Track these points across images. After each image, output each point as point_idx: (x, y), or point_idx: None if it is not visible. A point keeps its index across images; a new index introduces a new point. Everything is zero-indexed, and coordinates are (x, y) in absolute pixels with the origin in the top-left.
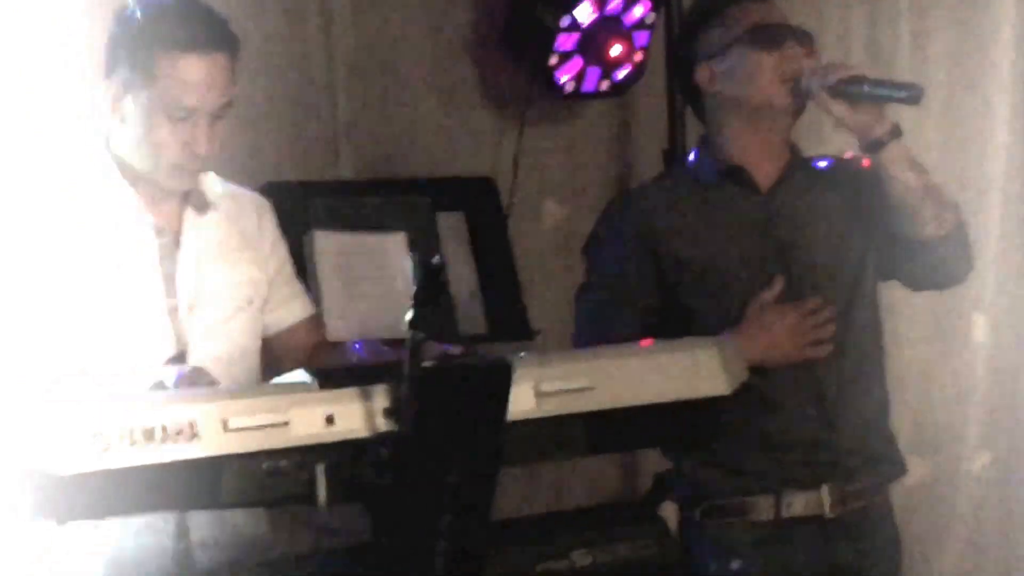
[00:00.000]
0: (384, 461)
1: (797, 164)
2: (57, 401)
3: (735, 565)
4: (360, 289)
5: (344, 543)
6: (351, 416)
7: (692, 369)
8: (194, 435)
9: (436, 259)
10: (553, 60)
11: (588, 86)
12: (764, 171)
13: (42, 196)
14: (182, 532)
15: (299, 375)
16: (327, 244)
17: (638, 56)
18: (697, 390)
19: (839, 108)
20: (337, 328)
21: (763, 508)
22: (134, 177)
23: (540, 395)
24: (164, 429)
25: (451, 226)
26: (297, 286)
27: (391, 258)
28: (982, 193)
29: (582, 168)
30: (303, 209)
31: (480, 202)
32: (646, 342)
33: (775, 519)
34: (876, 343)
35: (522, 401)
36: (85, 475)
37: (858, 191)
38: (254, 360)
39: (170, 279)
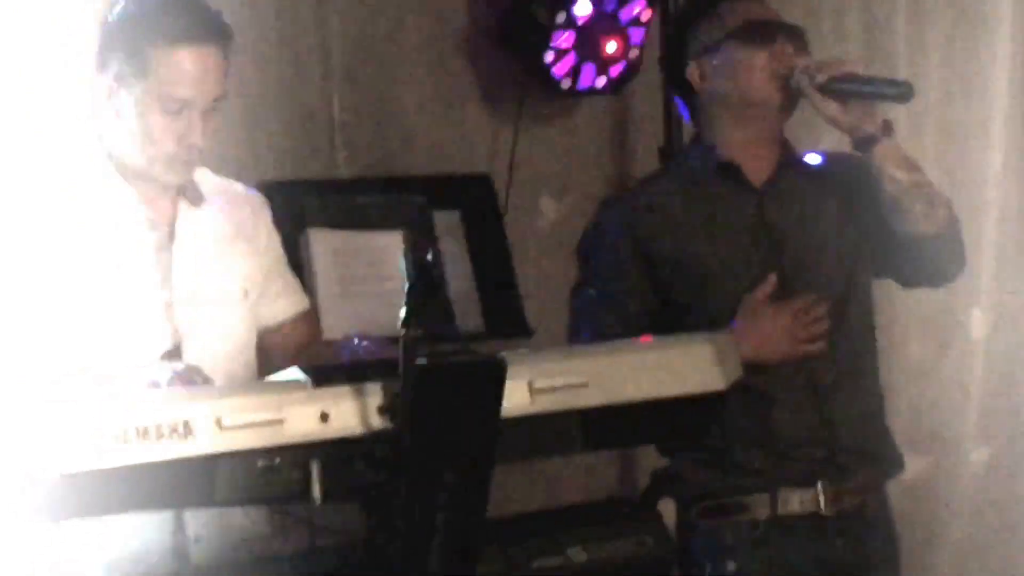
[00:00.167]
0: (379, 458)
1: (789, 161)
2: (51, 401)
3: (732, 564)
4: (356, 287)
5: (339, 541)
6: (346, 414)
7: (687, 365)
8: (188, 433)
9: (428, 256)
10: (549, 57)
11: (584, 83)
12: (756, 168)
13: (36, 192)
14: (178, 529)
15: (293, 372)
16: (323, 242)
17: (634, 53)
18: (692, 386)
19: (830, 105)
20: (333, 326)
21: (759, 506)
22: (128, 171)
23: (535, 392)
24: (158, 428)
25: (447, 224)
26: (292, 281)
27: (387, 256)
28: (979, 190)
29: (578, 165)
30: (299, 207)
31: (476, 200)
32: (645, 339)
33: (771, 517)
34: (870, 340)
35: (517, 398)
36: (80, 474)
37: (851, 188)
38: (250, 355)
39: (165, 273)
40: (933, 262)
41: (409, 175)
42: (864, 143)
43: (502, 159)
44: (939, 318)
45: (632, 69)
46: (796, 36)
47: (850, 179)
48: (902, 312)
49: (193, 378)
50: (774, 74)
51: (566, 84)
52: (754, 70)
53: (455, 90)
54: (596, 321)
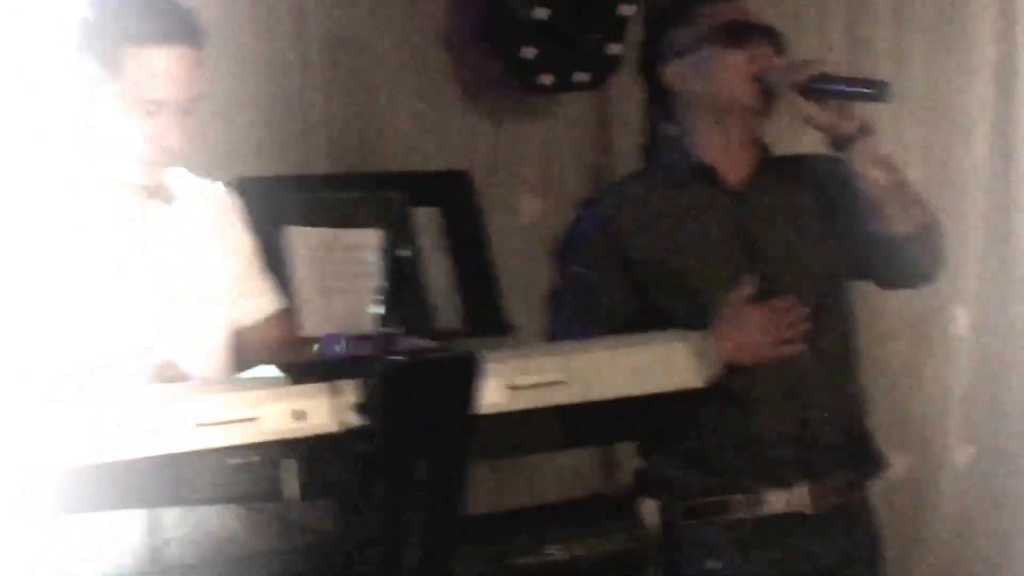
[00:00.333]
0: (354, 456)
1: (767, 163)
2: (22, 400)
3: (715, 564)
4: (335, 284)
5: (314, 539)
6: (320, 411)
7: (665, 362)
8: (162, 431)
9: (403, 253)
10: (529, 53)
11: (564, 79)
12: (733, 170)
13: (11, 196)
14: (152, 528)
15: (268, 370)
16: (301, 239)
17: (614, 49)
18: (670, 383)
19: (807, 106)
20: (311, 323)
21: (742, 506)
22: (103, 171)
23: (512, 389)
24: (132, 425)
25: (426, 221)
26: (266, 280)
27: (365, 253)
28: (963, 189)
29: (559, 162)
30: (276, 204)
31: (456, 197)
32: None
33: (753, 517)
34: (850, 340)
35: (494, 395)
36: (53, 473)
37: (829, 189)
38: (225, 354)
39: (139, 273)
40: (911, 262)
41: (387, 172)
42: (842, 143)
43: (482, 156)
44: (922, 317)
45: (613, 65)
46: (773, 37)
47: (827, 181)
48: (885, 311)
49: (168, 375)
50: (751, 76)
51: (546, 80)
52: (731, 72)
53: (434, 86)
54: (574, 324)
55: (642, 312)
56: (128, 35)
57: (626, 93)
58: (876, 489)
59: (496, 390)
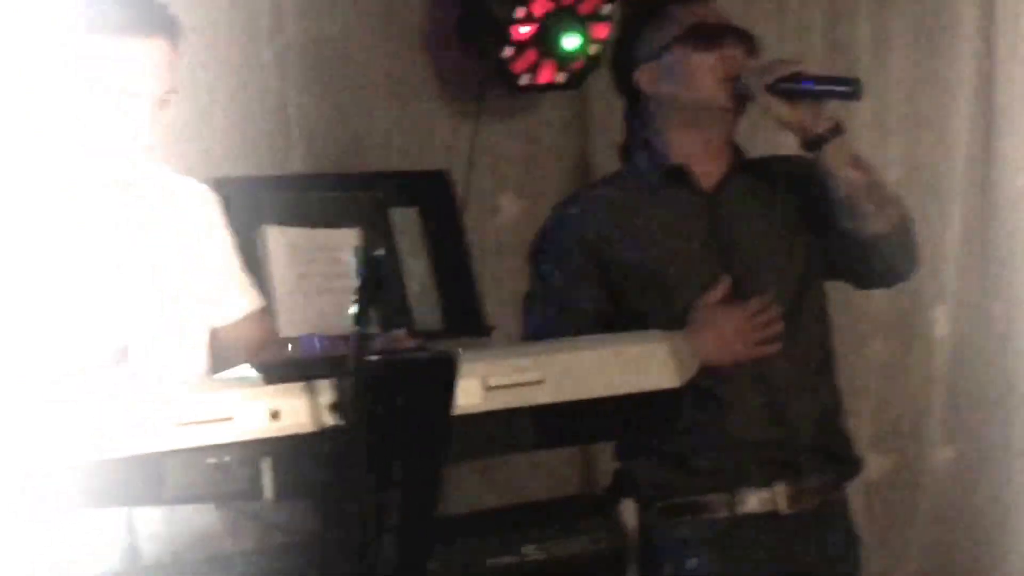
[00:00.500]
0: (330, 456)
1: (740, 165)
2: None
3: (692, 563)
4: (312, 284)
5: (290, 539)
6: (296, 411)
7: (642, 362)
8: (139, 431)
9: (382, 253)
10: (508, 52)
11: (543, 79)
12: (706, 172)
13: None
14: (129, 528)
15: (244, 370)
16: (279, 239)
17: (593, 49)
18: (647, 383)
19: (779, 107)
20: (289, 323)
21: (718, 506)
22: (78, 164)
23: (488, 389)
24: (110, 425)
25: (405, 221)
26: (244, 279)
27: (343, 253)
28: (943, 187)
29: (539, 161)
30: (254, 204)
31: (434, 196)
32: None
33: (730, 517)
34: (826, 341)
35: (470, 395)
36: (29, 473)
37: (802, 190)
38: (201, 353)
39: (116, 271)
40: (886, 262)
41: (366, 172)
42: (814, 143)
43: (461, 155)
44: (903, 316)
45: (592, 64)
46: (744, 39)
47: (800, 181)
48: (866, 311)
49: (144, 375)
50: (723, 77)
51: (525, 80)
52: (702, 74)
53: (413, 85)
54: (549, 328)
55: (617, 315)
56: (101, 25)
57: (605, 93)
58: (856, 489)
59: (473, 390)
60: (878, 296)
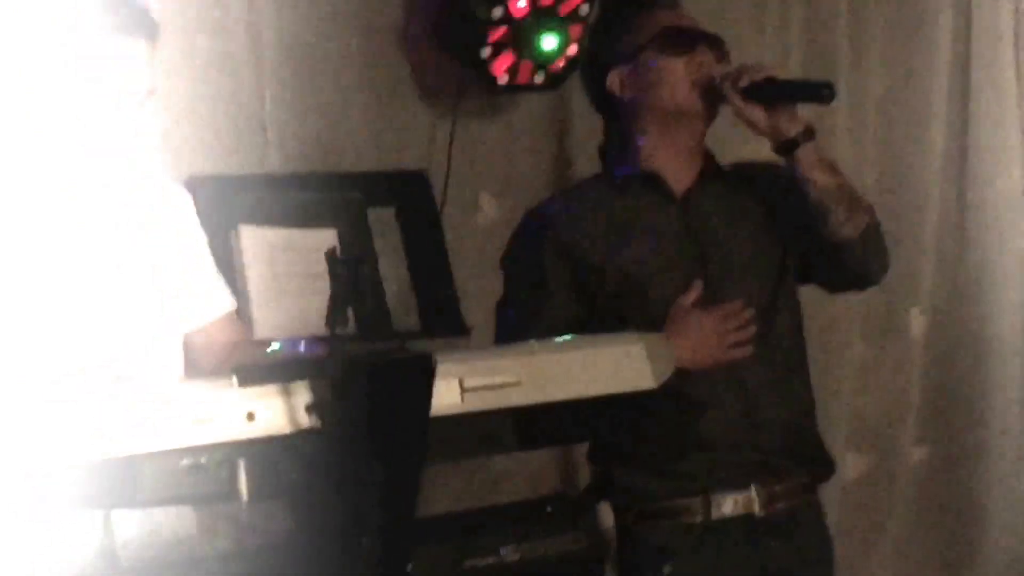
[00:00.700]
0: (306, 457)
1: (711, 169)
2: None
3: (668, 567)
4: (288, 286)
5: (267, 541)
6: (273, 413)
7: (619, 363)
8: (115, 433)
9: (359, 253)
10: (486, 53)
11: (522, 79)
12: (678, 177)
13: None
14: (105, 531)
15: (220, 372)
16: (254, 240)
17: (572, 49)
18: (624, 384)
19: (752, 111)
20: (265, 324)
21: (694, 510)
22: (53, 164)
23: (465, 390)
24: (85, 428)
25: (382, 221)
26: (217, 281)
27: (320, 254)
28: (919, 189)
29: (517, 162)
30: (229, 204)
31: (412, 197)
32: None
33: (706, 520)
34: (799, 344)
35: (447, 396)
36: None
37: (773, 195)
38: (174, 355)
39: (92, 270)
40: (857, 265)
41: (343, 172)
42: (786, 147)
43: (439, 156)
44: (879, 317)
45: (571, 65)
46: (716, 44)
47: (772, 186)
48: (842, 312)
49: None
50: (694, 82)
51: (504, 80)
52: (674, 78)
53: (391, 85)
54: (521, 333)
55: (591, 320)
56: (86, 24)
57: (584, 94)
58: (832, 488)
59: (450, 391)
60: (854, 298)
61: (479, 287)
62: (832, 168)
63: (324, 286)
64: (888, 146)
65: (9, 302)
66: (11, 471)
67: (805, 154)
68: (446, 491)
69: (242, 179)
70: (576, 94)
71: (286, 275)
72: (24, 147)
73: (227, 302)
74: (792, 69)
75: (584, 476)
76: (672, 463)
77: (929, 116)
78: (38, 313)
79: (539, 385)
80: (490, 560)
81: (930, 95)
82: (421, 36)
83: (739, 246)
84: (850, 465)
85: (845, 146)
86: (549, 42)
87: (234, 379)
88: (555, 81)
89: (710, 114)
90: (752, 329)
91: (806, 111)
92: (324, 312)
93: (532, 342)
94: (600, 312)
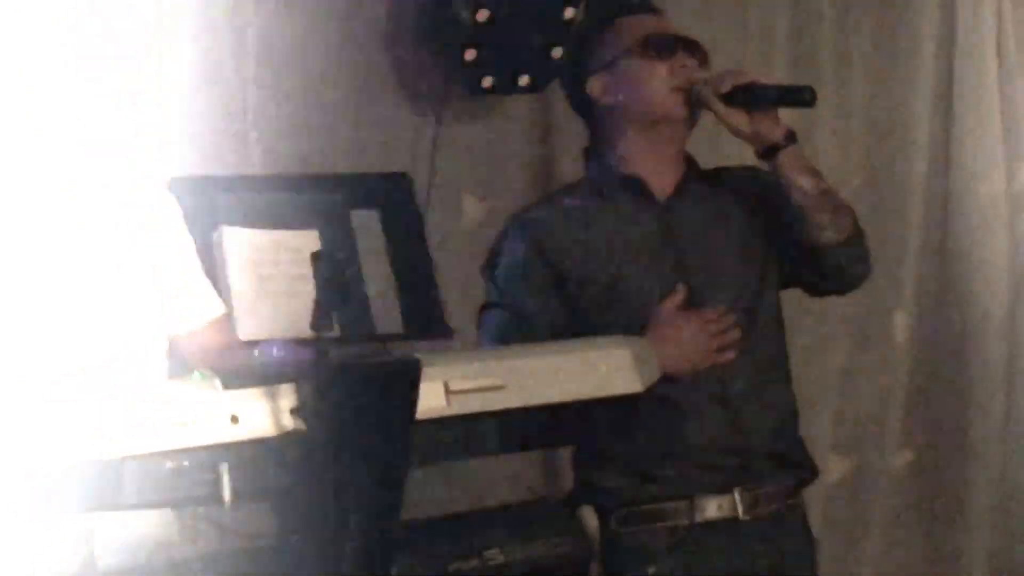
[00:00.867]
0: (290, 460)
1: (692, 174)
2: None
3: (652, 571)
4: (271, 287)
5: (250, 544)
6: (256, 415)
7: (604, 367)
8: (98, 436)
9: (342, 255)
10: (470, 55)
11: (506, 82)
12: (660, 182)
13: None
14: (86, 533)
15: (204, 374)
16: (236, 241)
17: (557, 53)
18: (609, 388)
19: (734, 116)
20: (247, 327)
21: (677, 513)
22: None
23: (451, 393)
24: (68, 430)
25: (365, 223)
26: (204, 284)
27: (303, 256)
28: (903, 194)
29: (501, 164)
30: (211, 204)
31: (396, 199)
32: None
33: (690, 524)
34: (781, 348)
35: (432, 399)
36: None
37: (755, 200)
38: (159, 358)
39: (77, 273)
40: (839, 269)
41: (326, 173)
42: (768, 152)
43: (423, 158)
44: (862, 322)
45: (555, 68)
46: (696, 50)
47: (753, 191)
48: (826, 316)
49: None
50: (676, 87)
51: (488, 83)
52: (655, 84)
53: (374, 87)
54: (505, 337)
55: (573, 325)
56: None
57: None
58: (816, 491)
59: (435, 394)
60: (838, 301)
61: (463, 290)
62: (814, 172)
63: (307, 288)
64: (872, 151)
65: None
66: None
67: (788, 158)
68: (426, 494)
69: (224, 180)
70: (560, 98)
71: (269, 276)
72: (19, 148)
73: (216, 306)
74: (776, 76)
75: (566, 479)
76: (655, 467)
77: (912, 121)
78: (23, 315)
79: (525, 388)
80: (475, 563)
81: (913, 101)
82: (405, 39)
83: (721, 251)
84: (833, 468)
85: (829, 151)
86: (533, 45)
87: (218, 382)
88: (539, 84)
89: (692, 119)
90: (735, 333)
91: (791, 118)
92: (307, 313)
93: (518, 345)
94: (582, 317)
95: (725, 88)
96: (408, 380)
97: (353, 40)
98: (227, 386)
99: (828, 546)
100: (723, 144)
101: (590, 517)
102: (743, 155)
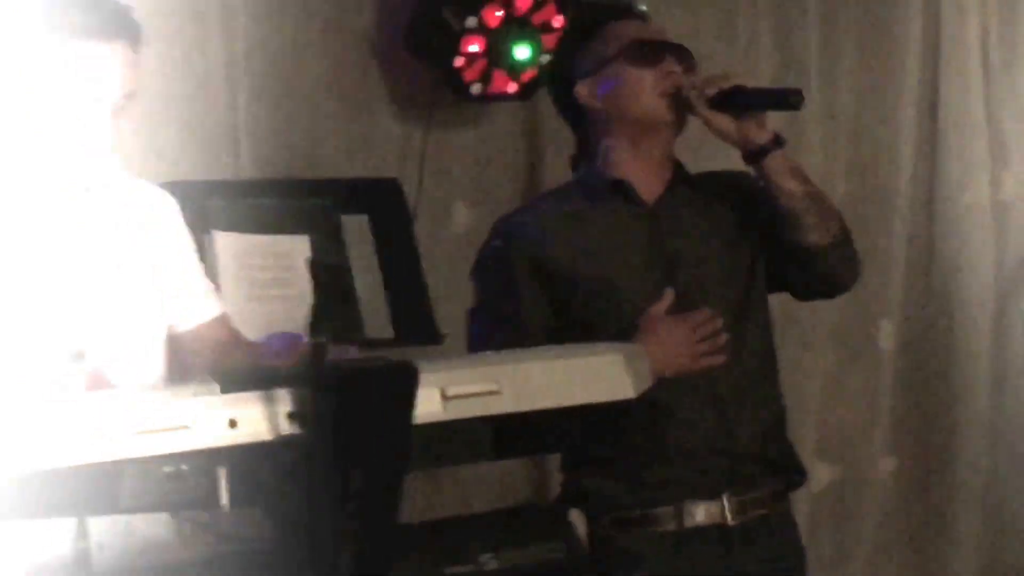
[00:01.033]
0: (288, 465)
1: (680, 179)
2: None
3: (640, 575)
4: (261, 291)
5: (247, 548)
6: (254, 419)
7: (598, 373)
8: (95, 439)
9: (332, 260)
10: (459, 62)
11: (495, 88)
12: (648, 186)
13: None
14: (80, 536)
15: (201, 378)
16: (227, 245)
17: (545, 59)
18: (603, 393)
19: (721, 120)
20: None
21: (666, 518)
22: (35, 168)
23: (446, 398)
24: (64, 433)
25: (356, 229)
26: (205, 285)
27: (293, 260)
28: (889, 202)
29: (490, 170)
30: (202, 209)
31: (386, 204)
32: None
33: (678, 529)
34: (770, 352)
35: (428, 404)
36: None
37: (742, 203)
38: (158, 358)
39: (72, 272)
40: (827, 273)
41: (317, 179)
42: (756, 155)
43: (412, 164)
44: (849, 328)
45: (544, 75)
46: (683, 55)
47: (741, 195)
48: (812, 322)
49: (99, 382)
50: (662, 92)
51: (476, 89)
52: (642, 89)
53: (364, 93)
54: (492, 343)
55: (561, 329)
56: (59, 28)
57: None
58: (802, 498)
59: (430, 400)
60: (824, 308)
61: (452, 295)
62: (802, 175)
63: (297, 291)
64: (858, 157)
65: None
66: None
67: (774, 162)
68: (416, 500)
69: (215, 185)
70: (548, 104)
71: (259, 281)
72: (18, 148)
73: (215, 306)
74: (762, 81)
75: (555, 485)
76: (644, 471)
77: (898, 127)
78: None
79: (520, 394)
80: (469, 568)
81: (899, 107)
82: (394, 45)
83: (709, 254)
84: (819, 475)
85: (815, 157)
86: (522, 52)
87: (216, 385)
88: (528, 91)
89: (678, 124)
90: (723, 337)
91: (777, 124)
92: (297, 316)
93: (514, 351)
94: (570, 321)
95: (711, 92)
96: (406, 385)
97: (343, 47)
98: (225, 390)
99: (814, 554)
100: (710, 148)
101: (578, 521)
102: (730, 159)
